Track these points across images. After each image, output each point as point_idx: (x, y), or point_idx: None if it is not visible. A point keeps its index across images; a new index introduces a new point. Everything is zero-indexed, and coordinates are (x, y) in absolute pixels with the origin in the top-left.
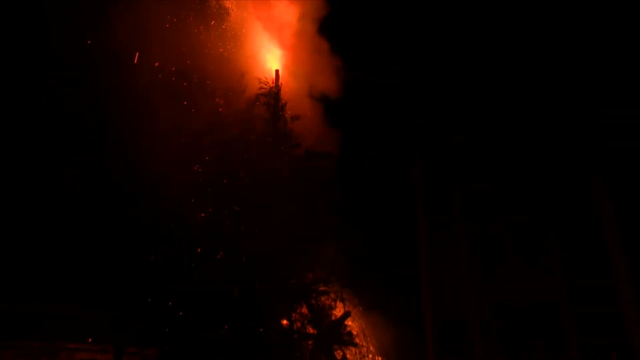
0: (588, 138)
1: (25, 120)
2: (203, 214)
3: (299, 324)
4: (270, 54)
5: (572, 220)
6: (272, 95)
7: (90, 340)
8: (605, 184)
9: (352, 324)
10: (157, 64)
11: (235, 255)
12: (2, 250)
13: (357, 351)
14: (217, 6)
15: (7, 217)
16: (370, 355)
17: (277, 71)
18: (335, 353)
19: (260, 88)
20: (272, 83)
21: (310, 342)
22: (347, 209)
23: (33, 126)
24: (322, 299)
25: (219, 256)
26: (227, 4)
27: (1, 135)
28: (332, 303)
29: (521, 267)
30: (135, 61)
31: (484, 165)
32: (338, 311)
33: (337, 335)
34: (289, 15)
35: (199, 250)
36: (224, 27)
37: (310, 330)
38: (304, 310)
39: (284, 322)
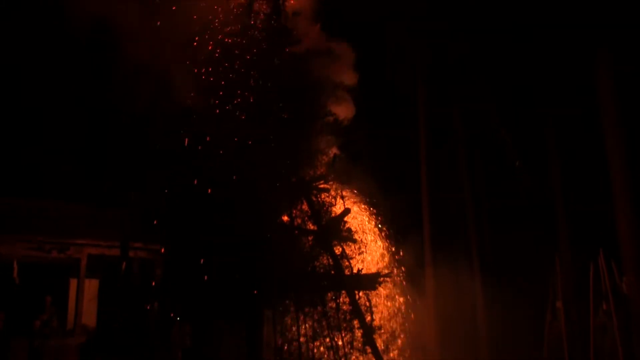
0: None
1: None
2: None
3: (299, 221)
4: None
5: (572, 111)
6: None
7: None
8: (610, 62)
9: (350, 221)
10: None
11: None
12: (16, 146)
13: (356, 247)
14: None
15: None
16: (366, 249)
17: None
18: (335, 249)
19: None
20: None
21: (310, 238)
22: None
23: None
24: (322, 196)
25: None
26: None
27: None
28: (332, 200)
29: (519, 166)
30: None
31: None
32: (338, 208)
33: (337, 231)
34: None
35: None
36: None
37: (310, 226)
38: (304, 207)
39: (285, 218)
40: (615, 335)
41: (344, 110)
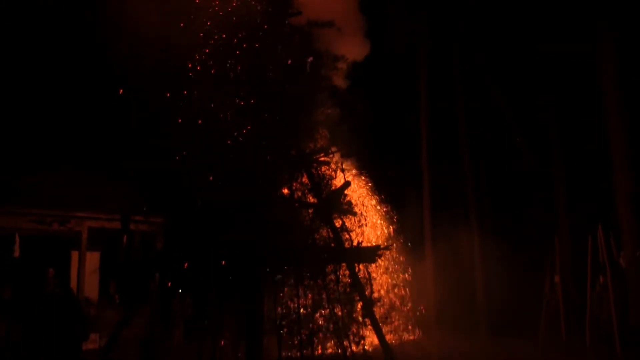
0: None
1: None
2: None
3: (299, 193)
4: None
5: (575, 92)
6: None
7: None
8: (614, 46)
9: (351, 194)
10: None
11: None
12: (17, 119)
13: (356, 219)
14: None
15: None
16: (366, 222)
17: None
18: (335, 221)
19: None
20: None
21: (310, 211)
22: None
23: None
24: (323, 168)
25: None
26: None
27: None
28: (333, 173)
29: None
30: None
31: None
32: (338, 181)
33: (337, 204)
34: None
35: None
36: None
37: (311, 199)
38: (305, 179)
39: (285, 191)
40: (611, 308)
41: (345, 81)
